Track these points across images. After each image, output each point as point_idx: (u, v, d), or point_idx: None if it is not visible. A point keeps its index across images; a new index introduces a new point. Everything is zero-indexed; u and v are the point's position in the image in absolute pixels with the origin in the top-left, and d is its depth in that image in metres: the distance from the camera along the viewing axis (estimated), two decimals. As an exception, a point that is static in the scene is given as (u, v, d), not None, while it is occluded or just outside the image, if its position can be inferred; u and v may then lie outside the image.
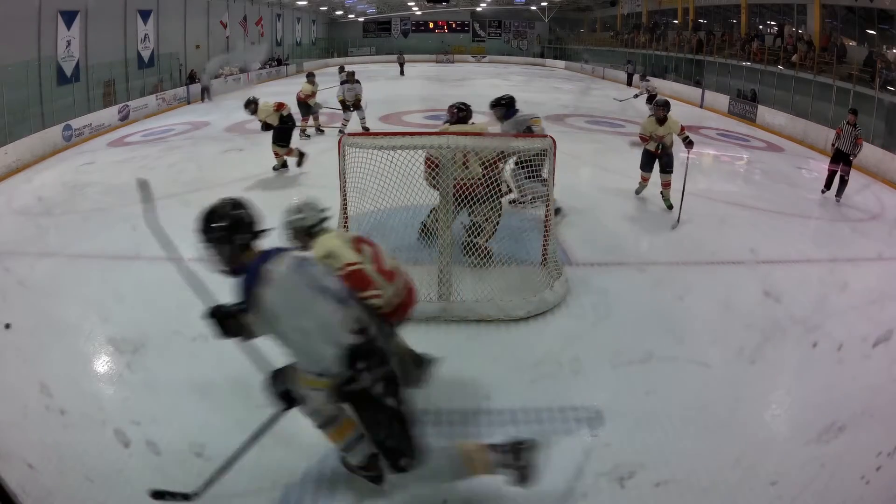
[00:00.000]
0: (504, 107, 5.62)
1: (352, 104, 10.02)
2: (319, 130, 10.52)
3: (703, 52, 19.04)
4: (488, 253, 4.46)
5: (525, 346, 3.82)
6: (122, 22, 15.31)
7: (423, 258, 4.44)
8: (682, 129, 6.55)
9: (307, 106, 10.09)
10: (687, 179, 6.22)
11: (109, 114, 13.07)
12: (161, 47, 17.08)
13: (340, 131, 9.59)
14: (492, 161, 4.19)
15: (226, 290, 2.33)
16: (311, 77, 10.23)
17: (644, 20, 25.66)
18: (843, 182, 7.39)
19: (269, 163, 8.26)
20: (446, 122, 5.14)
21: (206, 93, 17.32)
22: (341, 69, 11.96)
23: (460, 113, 5.02)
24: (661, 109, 6.51)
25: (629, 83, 20.89)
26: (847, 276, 5.06)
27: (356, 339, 2.19)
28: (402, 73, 25.16)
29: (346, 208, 4.51)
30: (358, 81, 10.06)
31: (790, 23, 16.05)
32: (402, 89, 16.09)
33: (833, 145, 7.65)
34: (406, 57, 26.22)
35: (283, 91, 16.47)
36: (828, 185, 7.59)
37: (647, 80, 14.18)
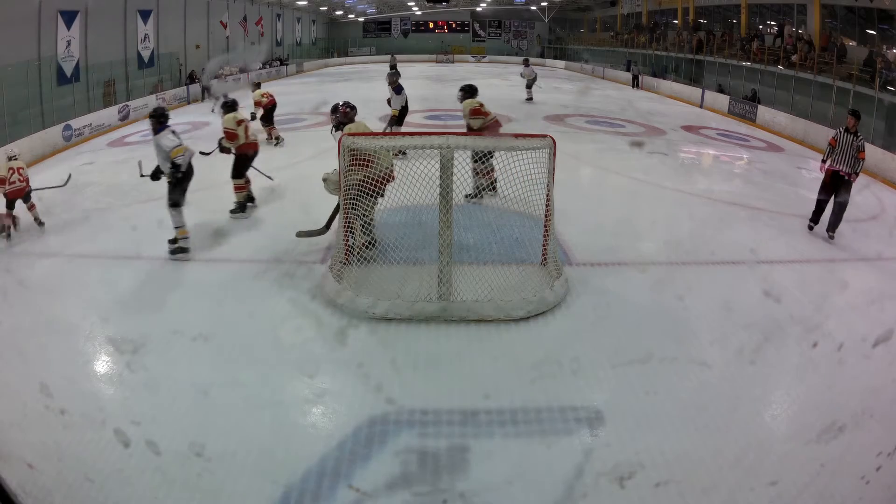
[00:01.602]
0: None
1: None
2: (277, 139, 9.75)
3: (703, 52, 19.04)
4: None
5: (525, 346, 3.82)
6: (122, 22, 15.31)
7: (423, 258, 4.45)
8: (472, 111, 6.28)
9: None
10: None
11: (109, 114, 13.07)
12: (161, 47, 17.08)
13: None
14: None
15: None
16: (257, 86, 10.23)
17: (644, 20, 25.66)
18: (841, 208, 5.82)
19: (270, 163, 8.22)
20: (339, 122, 5.29)
21: (206, 92, 17.33)
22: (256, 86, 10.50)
23: (353, 112, 5.25)
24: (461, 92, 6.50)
25: (635, 85, 20.74)
26: (847, 276, 5.06)
27: None
28: None
29: (346, 208, 4.51)
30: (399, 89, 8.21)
31: (790, 23, 16.05)
32: (411, 90, 16.09)
33: (824, 162, 5.93)
34: (406, 57, 25.69)
35: (282, 91, 16.43)
36: (816, 217, 6.03)
37: (528, 66, 15.49)
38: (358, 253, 4.58)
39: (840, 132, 5.86)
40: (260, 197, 6.97)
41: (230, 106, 6.09)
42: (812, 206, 6.10)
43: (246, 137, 5.91)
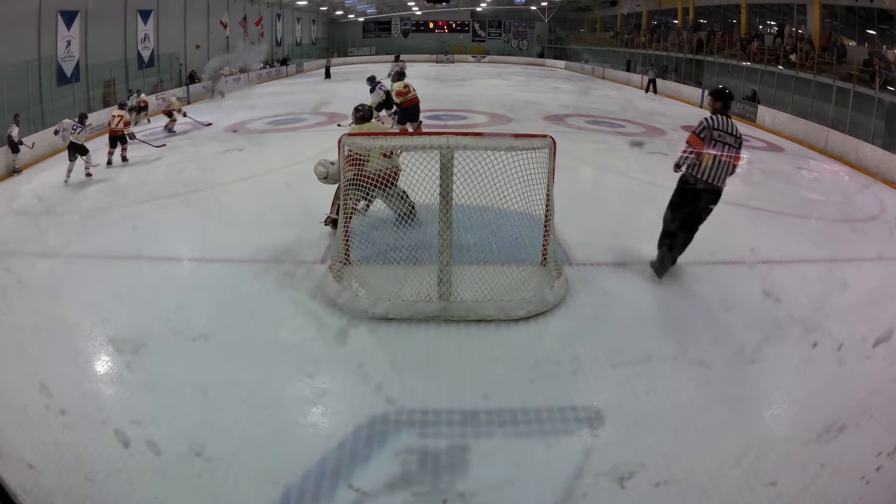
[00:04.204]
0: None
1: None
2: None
3: (703, 52, 19.04)
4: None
5: (525, 346, 3.82)
6: (122, 22, 15.31)
7: (423, 258, 4.45)
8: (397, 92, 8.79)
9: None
10: None
11: (109, 114, 13.04)
12: (161, 47, 17.08)
13: None
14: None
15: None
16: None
17: (644, 20, 25.67)
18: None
19: (270, 162, 8.27)
20: (351, 123, 5.71)
21: (216, 92, 17.43)
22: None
23: (357, 113, 5.53)
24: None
25: (654, 90, 19.34)
26: (847, 276, 5.05)
27: None
28: (327, 76, 24.15)
29: (346, 208, 4.52)
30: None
31: (790, 23, 16.06)
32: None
33: (680, 168, 4.42)
34: (406, 57, 25.73)
35: (282, 91, 16.48)
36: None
37: (402, 62, 16.30)
38: (324, 222, 4.87)
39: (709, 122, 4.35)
40: (259, 196, 6.98)
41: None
42: (812, 205, 6.08)
43: None
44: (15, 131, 9.43)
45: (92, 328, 4.09)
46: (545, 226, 4.58)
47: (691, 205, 4.39)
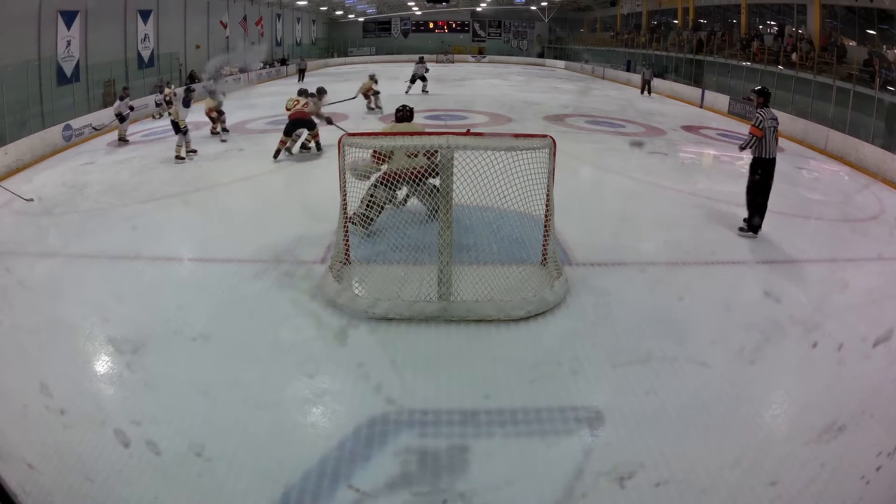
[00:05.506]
0: None
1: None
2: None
3: (703, 53, 19.04)
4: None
5: (525, 346, 3.82)
6: (122, 22, 15.31)
7: (423, 258, 4.45)
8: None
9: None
10: None
11: (109, 114, 13.04)
12: (161, 47, 17.09)
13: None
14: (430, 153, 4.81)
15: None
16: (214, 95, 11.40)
17: (644, 20, 25.67)
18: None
19: (270, 162, 8.25)
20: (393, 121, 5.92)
21: (217, 92, 17.46)
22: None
23: (399, 113, 5.78)
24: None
25: (649, 91, 18.74)
26: (847, 276, 5.06)
27: None
28: (300, 78, 23.55)
29: (346, 207, 4.52)
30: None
31: (790, 23, 16.06)
32: (402, 89, 16.18)
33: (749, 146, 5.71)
34: (406, 57, 25.59)
35: (283, 91, 16.38)
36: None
37: (424, 65, 16.79)
38: (350, 220, 4.72)
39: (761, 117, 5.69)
40: (259, 196, 6.98)
41: None
42: (812, 205, 6.14)
43: None
44: (118, 104, 10.95)
45: (92, 328, 4.09)
46: (545, 226, 4.58)
47: (766, 175, 5.74)
